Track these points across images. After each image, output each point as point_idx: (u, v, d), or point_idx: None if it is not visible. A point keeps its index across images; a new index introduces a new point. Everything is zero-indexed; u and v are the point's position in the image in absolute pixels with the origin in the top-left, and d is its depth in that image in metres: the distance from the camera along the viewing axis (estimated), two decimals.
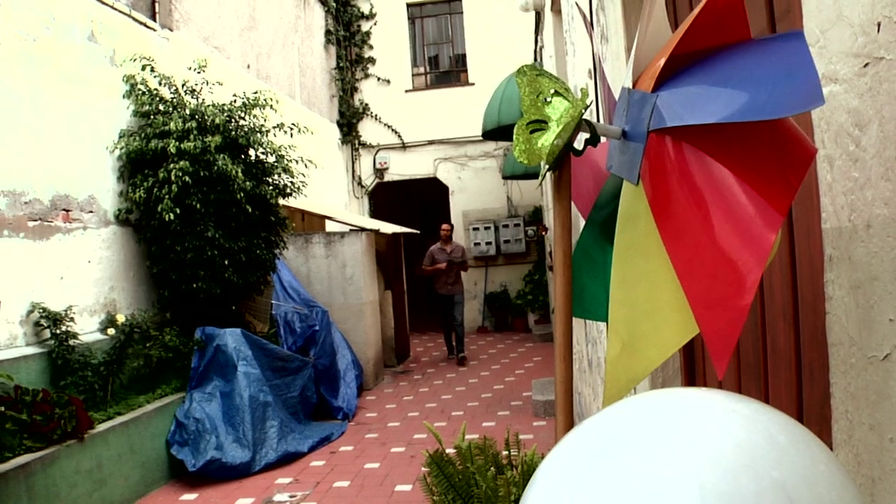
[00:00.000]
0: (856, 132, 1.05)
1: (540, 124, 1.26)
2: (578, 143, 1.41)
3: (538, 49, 10.81)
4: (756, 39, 1.03)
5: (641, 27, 1.23)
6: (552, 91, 1.29)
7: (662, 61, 1.11)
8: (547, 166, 1.27)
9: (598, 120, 3.64)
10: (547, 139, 1.23)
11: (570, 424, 1.26)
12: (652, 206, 1.13)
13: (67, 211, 5.63)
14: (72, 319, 5.32)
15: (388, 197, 14.99)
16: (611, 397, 1.25)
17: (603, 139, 1.33)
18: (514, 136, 1.25)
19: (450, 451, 2.52)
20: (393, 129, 13.99)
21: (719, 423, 0.76)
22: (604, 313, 1.33)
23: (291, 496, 5.25)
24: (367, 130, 14.06)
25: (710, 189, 1.01)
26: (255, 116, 6.82)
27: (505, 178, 12.89)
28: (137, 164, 6.30)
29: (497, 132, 9.00)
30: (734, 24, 1.03)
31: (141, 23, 6.86)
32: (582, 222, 1.62)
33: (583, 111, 1.23)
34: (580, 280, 1.51)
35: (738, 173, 0.97)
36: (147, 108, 6.48)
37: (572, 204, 1.42)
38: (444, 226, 10.88)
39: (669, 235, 1.08)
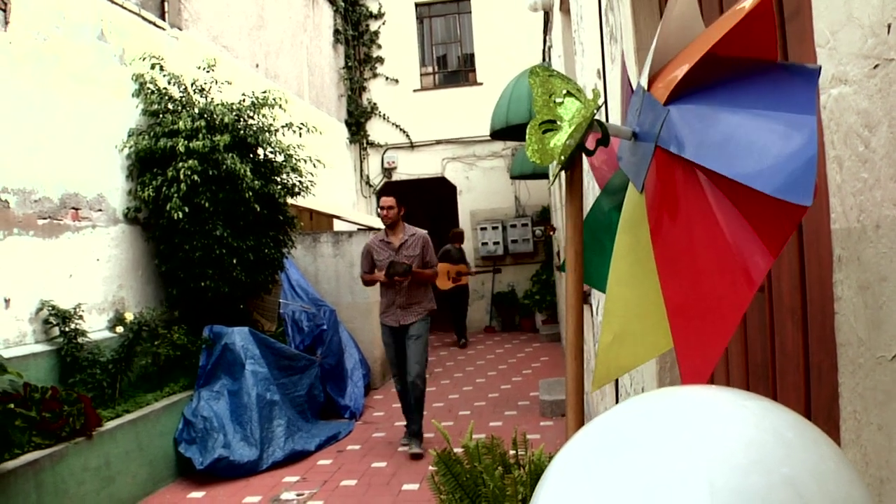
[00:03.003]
0: (865, 133, 1.05)
1: (552, 124, 1.27)
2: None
3: (547, 49, 10.81)
4: (774, 68, 1.01)
5: (665, 20, 1.22)
6: (564, 91, 1.29)
7: (682, 71, 1.10)
8: (559, 166, 1.28)
9: (607, 115, 3.64)
10: (559, 139, 1.24)
11: (580, 422, 1.27)
12: (650, 223, 1.14)
13: (76, 209, 5.66)
14: (80, 317, 5.35)
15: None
16: (600, 380, 1.28)
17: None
18: (527, 136, 1.26)
19: (457, 450, 2.53)
20: (401, 129, 14.00)
21: (728, 421, 0.77)
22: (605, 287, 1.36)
23: (298, 494, 5.27)
24: (376, 130, 14.08)
25: (708, 219, 1.01)
26: (263, 115, 6.85)
27: (513, 177, 12.91)
28: (146, 162, 6.33)
29: (505, 132, 9.00)
30: (762, 38, 1.02)
31: (150, 22, 6.89)
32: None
33: (594, 112, 1.24)
34: (587, 255, 1.50)
35: (739, 205, 0.96)
36: (156, 106, 6.51)
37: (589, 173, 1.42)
38: (385, 199, 6.62)
39: (662, 259, 1.09)
